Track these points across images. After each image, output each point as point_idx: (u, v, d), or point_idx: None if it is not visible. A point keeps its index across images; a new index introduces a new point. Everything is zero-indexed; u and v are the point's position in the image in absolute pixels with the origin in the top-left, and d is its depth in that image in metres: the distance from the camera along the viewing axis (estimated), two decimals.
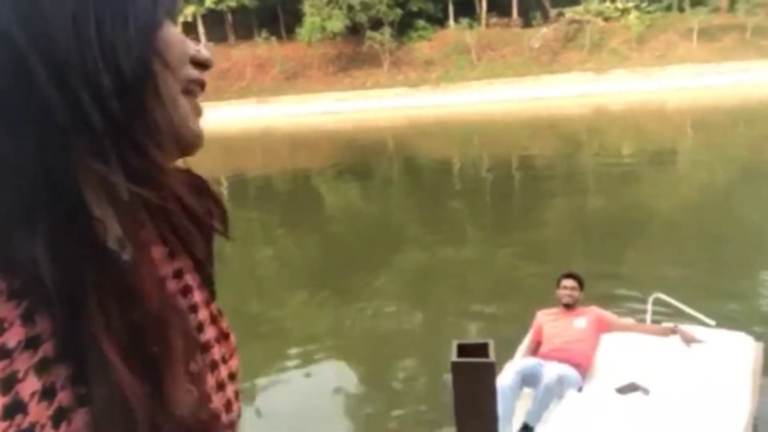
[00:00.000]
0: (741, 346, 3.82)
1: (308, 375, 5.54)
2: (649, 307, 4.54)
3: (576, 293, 4.17)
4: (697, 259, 7.18)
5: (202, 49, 0.49)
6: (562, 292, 4.18)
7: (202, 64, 0.49)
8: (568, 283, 4.18)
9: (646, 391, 3.52)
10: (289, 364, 5.83)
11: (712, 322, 4.31)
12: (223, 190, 17.84)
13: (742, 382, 3.46)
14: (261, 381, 5.70)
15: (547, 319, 4.15)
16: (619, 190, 12.57)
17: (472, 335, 5.91)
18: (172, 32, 0.45)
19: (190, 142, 0.48)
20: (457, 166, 18.17)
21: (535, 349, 4.05)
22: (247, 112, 36.30)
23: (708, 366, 3.63)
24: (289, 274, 9.24)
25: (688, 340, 3.82)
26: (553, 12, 40.71)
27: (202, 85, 0.49)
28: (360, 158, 20.84)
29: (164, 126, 0.44)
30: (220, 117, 35.94)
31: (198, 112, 0.48)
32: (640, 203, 11.22)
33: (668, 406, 3.31)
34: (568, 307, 4.13)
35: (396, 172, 18.28)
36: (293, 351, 6.14)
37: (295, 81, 40.77)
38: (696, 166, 15.10)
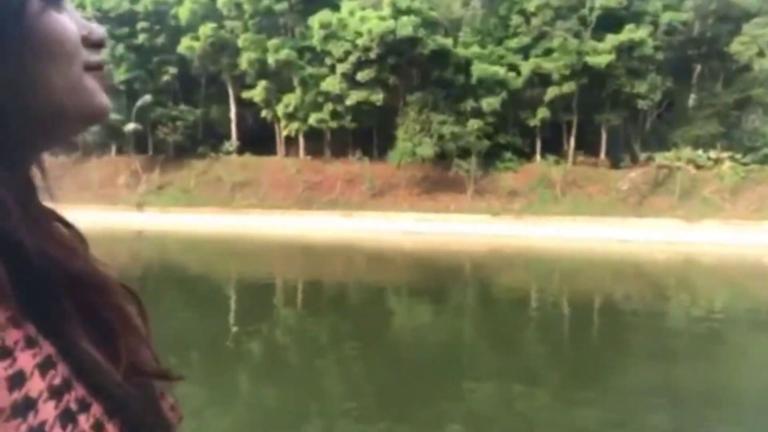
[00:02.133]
0: None
1: None
2: None
3: None
4: None
5: (94, 28, 0.52)
6: None
7: (96, 45, 0.52)
8: None
9: None
10: None
11: None
12: (299, 295, 18.41)
13: None
14: None
15: None
16: (711, 353, 11.75)
17: None
18: (52, 23, 0.46)
19: (98, 115, 0.51)
20: (535, 300, 17.81)
21: None
22: (333, 223, 37.84)
23: None
24: (350, 392, 9.18)
25: None
26: (642, 156, 40.87)
27: (101, 65, 0.52)
28: (435, 280, 20.92)
29: (53, 108, 0.47)
30: (307, 226, 37.69)
31: (103, 86, 0.51)
32: (735, 371, 10.42)
33: None
34: None
35: (470, 299, 18.14)
36: None
37: (381, 198, 42.49)
38: None
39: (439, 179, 42.29)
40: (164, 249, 29.28)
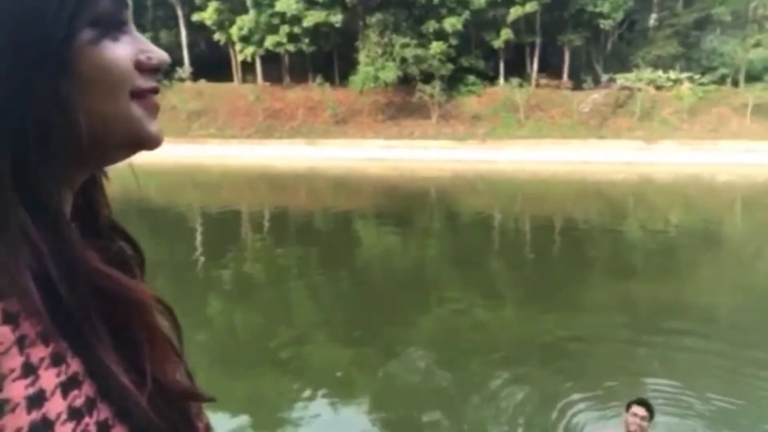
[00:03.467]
0: None
1: (328, 416, 5.58)
2: None
3: (646, 424, 3.96)
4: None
5: (153, 52, 0.51)
6: (631, 419, 3.98)
7: (152, 70, 0.51)
8: (640, 411, 3.99)
9: None
10: (311, 403, 5.87)
11: None
12: (265, 224, 18.27)
13: None
14: (283, 415, 5.72)
15: None
16: (663, 265, 12.26)
17: (494, 400, 5.82)
18: (101, 54, 0.47)
19: (145, 143, 0.51)
20: (498, 223, 18.13)
21: None
22: (296, 152, 37.21)
23: None
24: (320, 314, 9.30)
25: None
26: (604, 77, 40.97)
27: (154, 90, 0.51)
28: (401, 205, 21.02)
29: (103, 134, 0.47)
30: (269, 154, 36.94)
31: (154, 113, 0.51)
32: (687, 284, 10.91)
33: None
34: None
35: (436, 223, 18.34)
36: (315, 390, 6.16)
37: (344, 125, 41.78)
38: (747, 244, 14.69)
39: (402, 104, 41.68)
40: (120, 181, 28.40)
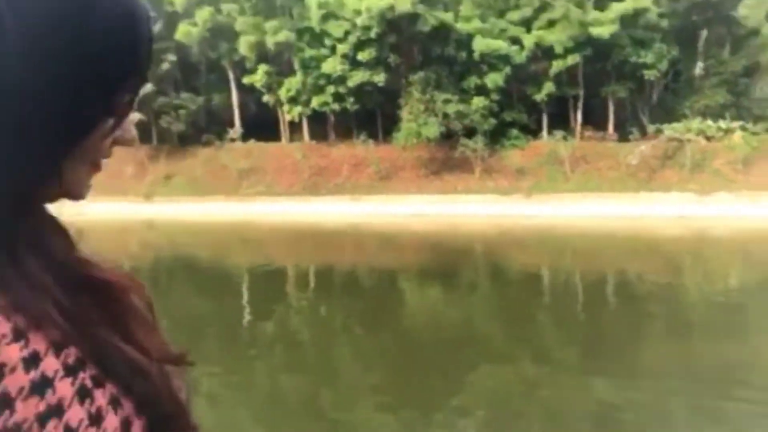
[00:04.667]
0: None
1: None
2: None
3: None
4: None
5: (130, 132, 0.57)
6: None
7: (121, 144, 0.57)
8: None
9: None
10: None
11: None
12: (311, 281, 18.36)
13: None
14: None
15: None
16: (726, 327, 11.57)
17: None
18: (99, 141, 0.53)
19: (77, 198, 0.55)
20: (547, 279, 17.67)
21: None
22: (340, 208, 37.72)
23: None
24: (366, 374, 9.12)
25: None
26: (651, 128, 40.34)
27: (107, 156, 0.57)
28: (446, 262, 20.81)
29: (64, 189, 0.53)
30: (315, 211, 37.57)
31: (91, 176, 0.56)
32: (752, 347, 10.24)
33: None
34: None
35: (482, 279, 18.03)
36: None
37: (388, 181, 42.25)
38: None
39: (445, 160, 41.96)
40: (174, 238, 29.26)
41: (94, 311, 0.52)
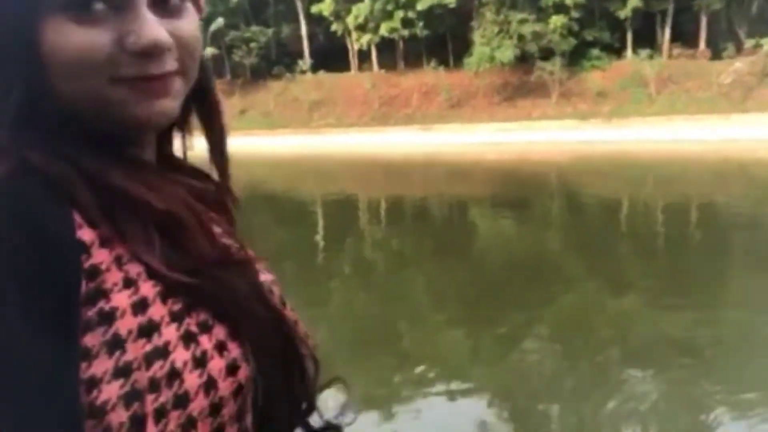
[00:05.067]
0: None
1: (447, 407, 5.49)
2: None
3: None
4: None
5: (141, 35, 0.49)
6: None
7: (138, 54, 0.50)
8: None
9: None
10: (429, 392, 5.81)
11: None
12: (382, 211, 18.60)
13: None
14: (397, 407, 5.78)
15: None
16: None
17: (621, 399, 5.45)
18: (59, 39, 0.48)
19: (130, 125, 0.52)
20: (627, 208, 17.00)
21: None
22: (411, 139, 37.44)
23: None
24: (438, 301, 9.27)
25: None
26: (748, 43, 36.72)
27: (144, 77, 0.51)
28: (520, 191, 20.44)
29: (81, 110, 0.50)
30: (385, 141, 37.50)
31: (146, 95, 0.51)
32: None
33: None
34: None
35: (557, 209, 17.62)
36: (433, 379, 6.13)
37: (459, 109, 41.30)
38: None
39: (520, 85, 40.31)
40: (251, 172, 30.29)
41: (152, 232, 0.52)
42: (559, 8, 38.14)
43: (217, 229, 0.58)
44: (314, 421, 0.64)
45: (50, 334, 0.42)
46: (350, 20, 44.30)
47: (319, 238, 14.71)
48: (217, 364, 0.50)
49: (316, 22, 47.05)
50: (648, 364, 6.23)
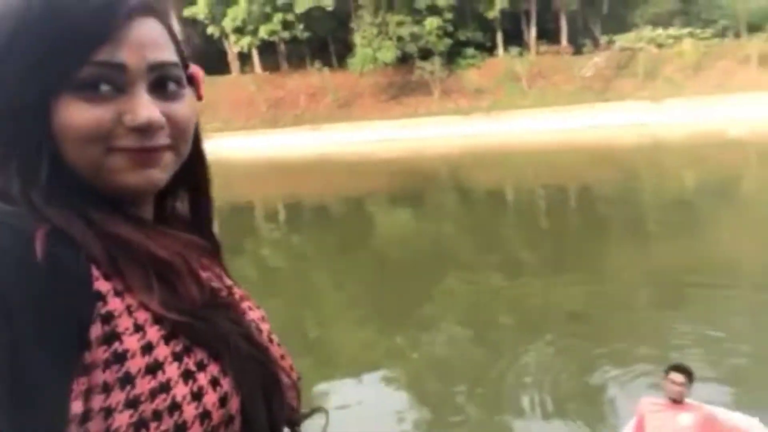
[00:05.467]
0: None
1: (362, 400, 5.55)
2: None
3: (685, 389, 3.87)
4: None
5: (136, 114, 0.58)
6: (670, 387, 3.88)
7: (135, 130, 0.59)
8: (678, 378, 3.86)
9: None
10: (343, 388, 5.89)
11: None
12: (280, 214, 18.37)
13: None
14: (314, 399, 5.84)
15: (650, 409, 3.94)
16: (683, 225, 12.24)
17: (524, 369, 5.86)
18: (70, 113, 0.56)
19: (123, 192, 0.61)
20: (512, 195, 18.15)
21: None
22: (302, 140, 37.22)
23: None
24: (344, 298, 9.37)
25: None
26: (603, 39, 40.50)
27: (139, 149, 0.59)
28: (414, 185, 21.04)
29: (83, 180, 0.58)
30: (276, 143, 36.93)
31: (139, 165, 0.59)
32: (708, 241, 10.89)
33: None
34: (675, 401, 3.89)
35: (450, 200, 18.37)
36: (346, 376, 6.22)
37: (347, 109, 41.65)
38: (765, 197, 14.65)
39: (403, 83, 41.45)
40: None
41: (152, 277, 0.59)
42: (433, 10, 39.69)
43: (206, 274, 0.65)
44: None
45: (52, 358, 0.50)
46: (227, 23, 43.10)
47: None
48: (211, 398, 0.57)
49: (190, 24, 45.24)
50: (543, 335, 6.73)
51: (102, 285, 0.55)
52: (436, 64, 39.44)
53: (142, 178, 0.60)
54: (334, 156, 31.47)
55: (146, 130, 0.58)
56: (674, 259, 9.45)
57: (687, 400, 3.92)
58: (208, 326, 0.60)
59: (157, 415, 0.54)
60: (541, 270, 9.82)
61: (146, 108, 0.58)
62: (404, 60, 40.76)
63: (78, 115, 0.56)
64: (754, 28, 37.82)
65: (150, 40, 0.59)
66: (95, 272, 0.54)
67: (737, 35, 39.01)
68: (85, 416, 0.51)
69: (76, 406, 0.51)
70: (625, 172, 20.44)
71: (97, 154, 0.58)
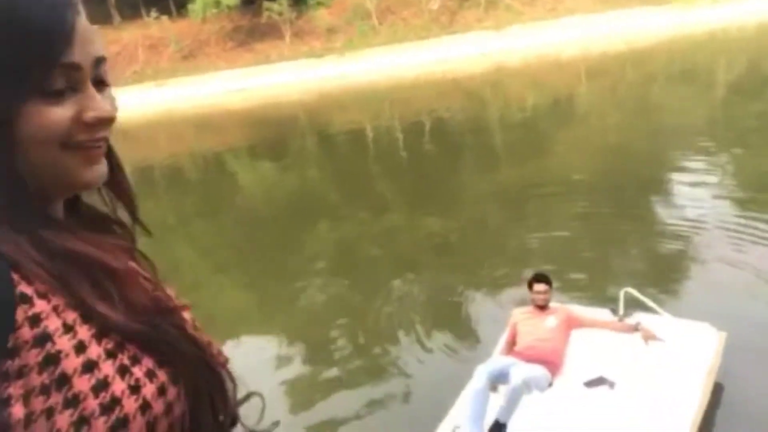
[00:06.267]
0: (704, 337, 4.04)
1: (242, 362, 5.46)
2: (621, 301, 4.58)
3: (548, 296, 4.31)
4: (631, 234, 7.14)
5: (96, 111, 0.60)
6: (535, 296, 4.31)
7: (91, 125, 0.60)
8: (541, 287, 4.30)
9: (612, 385, 3.73)
10: (225, 351, 5.76)
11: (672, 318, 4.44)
12: (130, 180, 16.97)
13: (697, 373, 3.72)
14: None
15: (521, 318, 4.31)
16: (527, 144, 13.10)
17: (398, 301, 6.07)
18: (38, 118, 0.57)
19: (77, 187, 0.63)
20: (371, 134, 18.27)
21: (511, 347, 4.20)
22: (145, 97, 34.43)
23: (669, 358, 3.88)
24: (213, 259, 9.07)
25: (649, 338, 4.08)
26: None
27: (92, 141, 0.61)
28: (272, 135, 20.47)
29: (37, 178, 0.59)
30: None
31: (90, 161, 0.61)
32: (550, 156, 11.78)
33: (631, 398, 3.58)
34: (541, 307, 4.30)
35: (311, 146, 18.14)
36: (225, 339, 6.07)
37: (193, 60, 38.94)
38: (595, 111, 16.04)
39: (251, 28, 39.41)
40: None
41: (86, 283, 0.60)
42: None
43: (145, 281, 0.67)
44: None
45: None
46: None
47: None
48: (149, 389, 0.58)
49: None
50: (410, 267, 6.99)
51: (25, 288, 0.55)
52: (283, 4, 37.84)
53: (94, 174, 0.62)
54: (182, 112, 29.59)
55: (104, 123, 0.61)
56: (520, 178, 10.15)
57: (551, 304, 4.36)
58: (158, 334, 0.61)
59: (98, 412, 0.54)
60: (404, 206, 10.08)
61: (104, 103, 0.61)
62: (250, 2, 38.64)
63: (45, 118, 0.57)
64: None
65: (91, 36, 0.61)
66: (15, 276, 0.54)
67: None
68: (28, 419, 0.52)
69: (17, 411, 0.51)
70: (471, 100, 21.36)
71: (55, 155, 0.59)
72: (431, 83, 27.21)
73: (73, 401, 0.54)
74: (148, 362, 0.60)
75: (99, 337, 0.58)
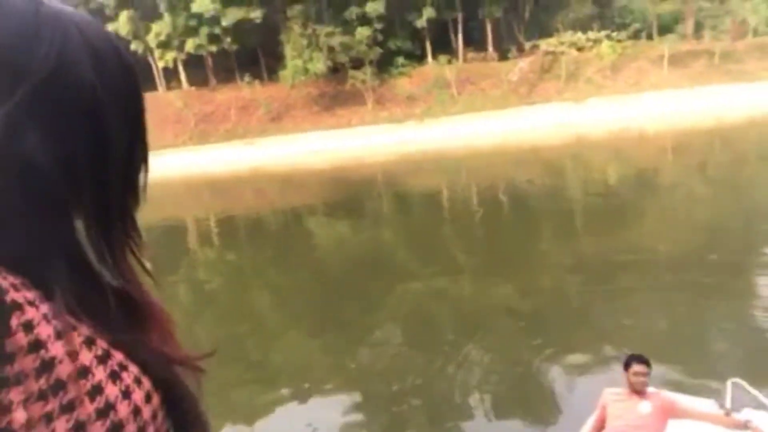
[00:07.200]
0: None
1: (309, 415, 5.46)
2: (728, 393, 4.16)
3: (647, 379, 3.93)
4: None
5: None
6: (633, 378, 3.92)
7: None
8: (641, 368, 3.91)
9: None
10: (291, 406, 5.75)
11: None
12: (214, 231, 17.88)
13: None
14: (260, 415, 5.68)
15: (612, 399, 3.99)
16: (609, 218, 12.73)
17: (468, 369, 5.90)
18: None
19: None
20: (447, 199, 18.40)
21: (599, 429, 3.95)
22: (234, 154, 36.49)
23: None
24: (285, 311, 9.19)
25: None
26: (527, 45, 41.99)
27: None
28: (350, 195, 20.99)
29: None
30: (208, 160, 36.04)
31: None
32: (634, 231, 11.38)
33: None
34: (637, 390, 3.94)
35: (387, 207, 18.43)
36: (293, 391, 6.06)
37: (280, 121, 41.19)
38: (682, 186, 15.48)
39: (336, 94, 41.44)
40: None
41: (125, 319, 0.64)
42: (363, 20, 40.00)
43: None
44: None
45: None
46: (151, 38, 41.87)
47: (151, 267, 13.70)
48: (138, 395, 0.61)
49: None
50: (483, 333, 6.82)
51: (17, 296, 0.56)
52: (367, 73, 39.69)
53: None
54: (267, 169, 31.00)
55: None
56: (603, 253, 9.77)
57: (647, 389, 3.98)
58: (140, 343, 0.64)
59: (94, 417, 0.56)
60: (478, 270, 9.95)
61: None
62: (335, 70, 40.79)
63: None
64: (664, 30, 40.40)
65: None
66: (3, 283, 0.55)
67: (650, 37, 41.42)
68: (29, 424, 0.53)
69: (20, 416, 0.52)
70: (551, 170, 21.16)
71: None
72: (509, 152, 27.30)
73: (69, 407, 0.55)
74: (134, 369, 0.62)
75: (89, 344, 0.59)
